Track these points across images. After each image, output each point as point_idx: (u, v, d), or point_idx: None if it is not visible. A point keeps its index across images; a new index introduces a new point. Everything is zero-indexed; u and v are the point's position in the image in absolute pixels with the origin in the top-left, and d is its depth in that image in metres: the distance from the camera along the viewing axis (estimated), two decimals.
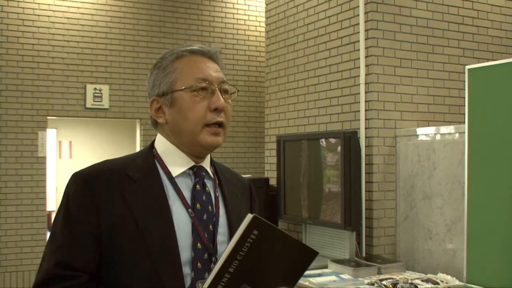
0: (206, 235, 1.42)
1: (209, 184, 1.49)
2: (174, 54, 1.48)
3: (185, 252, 1.37)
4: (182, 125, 1.44)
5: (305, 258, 1.35)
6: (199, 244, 1.40)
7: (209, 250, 1.41)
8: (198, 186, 1.46)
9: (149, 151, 1.49)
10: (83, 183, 1.38)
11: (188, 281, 1.37)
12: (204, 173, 1.49)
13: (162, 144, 1.49)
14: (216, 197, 1.49)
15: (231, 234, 1.48)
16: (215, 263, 1.39)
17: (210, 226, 1.44)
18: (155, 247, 1.34)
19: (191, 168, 1.46)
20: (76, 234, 1.34)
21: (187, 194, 1.44)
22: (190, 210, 1.41)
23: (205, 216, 1.43)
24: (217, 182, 1.53)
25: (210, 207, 1.46)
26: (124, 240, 1.34)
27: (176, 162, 1.45)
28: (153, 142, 1.52)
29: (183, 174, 1.45)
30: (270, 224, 1.24)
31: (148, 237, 1.34)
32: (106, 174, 1.40)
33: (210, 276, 1.23)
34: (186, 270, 1.37)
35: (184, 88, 1.43)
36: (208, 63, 1.48)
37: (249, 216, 1.21)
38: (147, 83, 1.51)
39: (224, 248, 1.42)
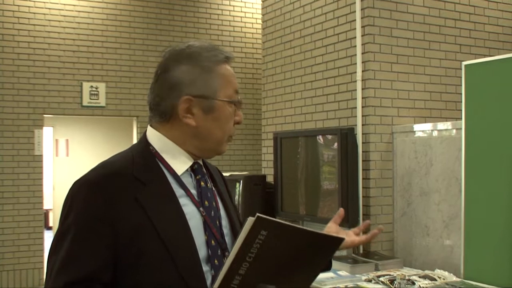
0: (217, 232, 1.42)
1: (207, 180, 1.50)
2: (216, 58, 1.43)
3: (201, 251, 1.37)
4: (213, 134, 1.43)
5: (329, 246, 1.33)
6: (213, 241, 1.40)
7: (222, 246, 1.41)
8: (202, 183, 1.45)
9: (146, 149, 1.42)
10: (91, 191, 1.31)
11: (209, 277, 1.36)
12: (204, 170, 1.49)
13: (159, 141, 1.43)
14: (213, 191, 1.50)
15: (231, 225, 1.50)
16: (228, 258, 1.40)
17: (217, 222, 1.44)
18: (175, 249, 1.31)
19: (190, 165, 1.45)
20: (88, 247, 1.28)
21: (193, 192, 1.42)
22: (201, 209, 1.41)
23: (212, 212, 1.44)
24: (208, 175, 1.53)
25: (214, 203, 1.46)
26: (144, 245, 1.29)
27: (178, 160, 1.42)
28: (145, 138, 1.45)
29: (185, 171, 1.43)
30: (280, 221, 1.20)
31: (168, 240, 1.31)
32: (114, 179, 1.33)
33: (217, 280, 1.21)
34: (205, 268, 1.37)
35: (227, 100, 1.44)
36: (231, 71, 1.48)
37: (251, 219, 1.17)
38: (175, 73, 1.40)
39: (230, 240, 1.45)
